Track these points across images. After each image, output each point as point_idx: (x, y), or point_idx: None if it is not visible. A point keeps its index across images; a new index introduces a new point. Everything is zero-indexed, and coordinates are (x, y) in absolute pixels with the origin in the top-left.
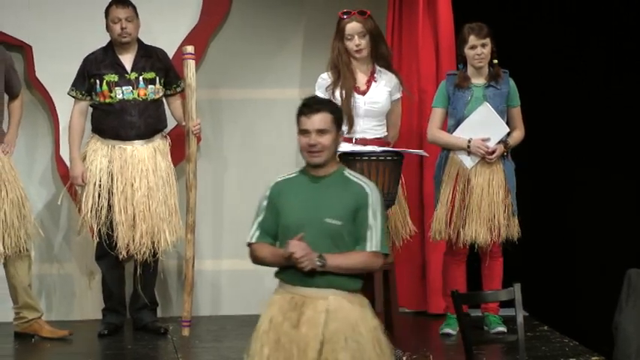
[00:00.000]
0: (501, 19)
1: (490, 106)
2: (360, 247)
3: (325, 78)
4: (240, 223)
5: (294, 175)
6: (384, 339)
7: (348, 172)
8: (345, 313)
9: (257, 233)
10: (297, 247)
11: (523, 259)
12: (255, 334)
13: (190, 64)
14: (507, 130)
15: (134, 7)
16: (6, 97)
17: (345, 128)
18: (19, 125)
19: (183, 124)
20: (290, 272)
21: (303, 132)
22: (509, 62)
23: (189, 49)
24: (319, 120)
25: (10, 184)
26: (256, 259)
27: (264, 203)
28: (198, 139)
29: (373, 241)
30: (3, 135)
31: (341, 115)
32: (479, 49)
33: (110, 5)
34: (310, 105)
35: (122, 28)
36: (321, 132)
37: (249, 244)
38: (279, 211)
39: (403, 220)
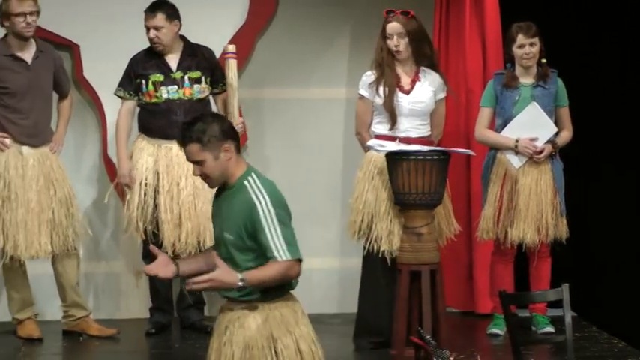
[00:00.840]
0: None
1: (538, 106)
2: (271, 259)
3: (369, 75)
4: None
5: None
6: (289, 350)
7: (248, 180)
8: (245, 323)
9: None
10: (202, 283)
11: (572, 259)
12: None
13: (232, 64)
14: (555, 129)
15: (167, 13)
16: (55, 96)
17: (387, 126)
18: (67, 124)
19: None
20: None
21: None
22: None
23: (231, 48)
24: (189, 154)
25: (59, 182)
26: None
27: None
28: (244, 139)
29: (279, 250)
30: (52, 134)
31: (214, 130)
32: (527, 48)
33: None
34: (181, 137)
35: (151, 37)
36: (196, 163)
37: None
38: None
39: (447, 219)
